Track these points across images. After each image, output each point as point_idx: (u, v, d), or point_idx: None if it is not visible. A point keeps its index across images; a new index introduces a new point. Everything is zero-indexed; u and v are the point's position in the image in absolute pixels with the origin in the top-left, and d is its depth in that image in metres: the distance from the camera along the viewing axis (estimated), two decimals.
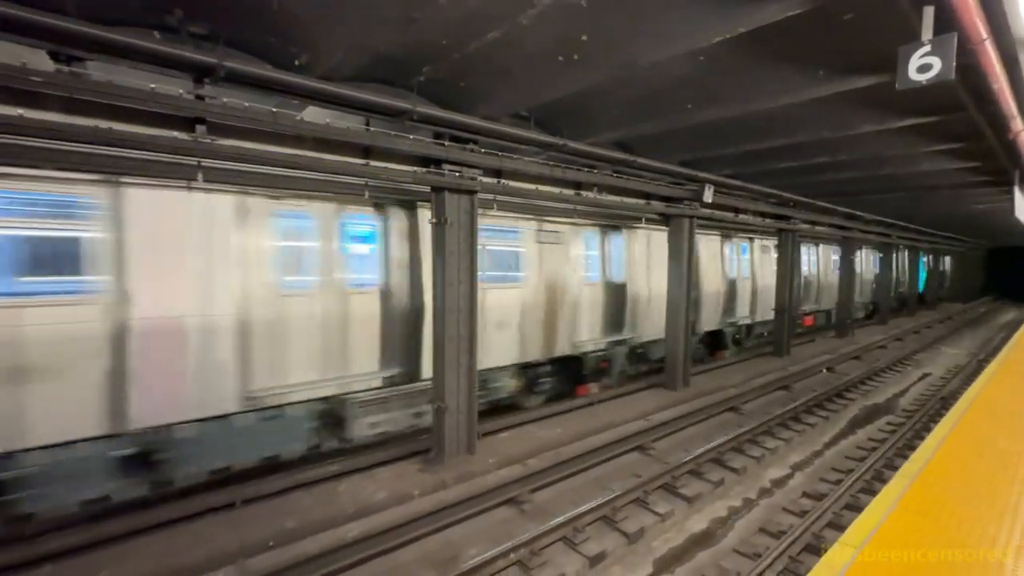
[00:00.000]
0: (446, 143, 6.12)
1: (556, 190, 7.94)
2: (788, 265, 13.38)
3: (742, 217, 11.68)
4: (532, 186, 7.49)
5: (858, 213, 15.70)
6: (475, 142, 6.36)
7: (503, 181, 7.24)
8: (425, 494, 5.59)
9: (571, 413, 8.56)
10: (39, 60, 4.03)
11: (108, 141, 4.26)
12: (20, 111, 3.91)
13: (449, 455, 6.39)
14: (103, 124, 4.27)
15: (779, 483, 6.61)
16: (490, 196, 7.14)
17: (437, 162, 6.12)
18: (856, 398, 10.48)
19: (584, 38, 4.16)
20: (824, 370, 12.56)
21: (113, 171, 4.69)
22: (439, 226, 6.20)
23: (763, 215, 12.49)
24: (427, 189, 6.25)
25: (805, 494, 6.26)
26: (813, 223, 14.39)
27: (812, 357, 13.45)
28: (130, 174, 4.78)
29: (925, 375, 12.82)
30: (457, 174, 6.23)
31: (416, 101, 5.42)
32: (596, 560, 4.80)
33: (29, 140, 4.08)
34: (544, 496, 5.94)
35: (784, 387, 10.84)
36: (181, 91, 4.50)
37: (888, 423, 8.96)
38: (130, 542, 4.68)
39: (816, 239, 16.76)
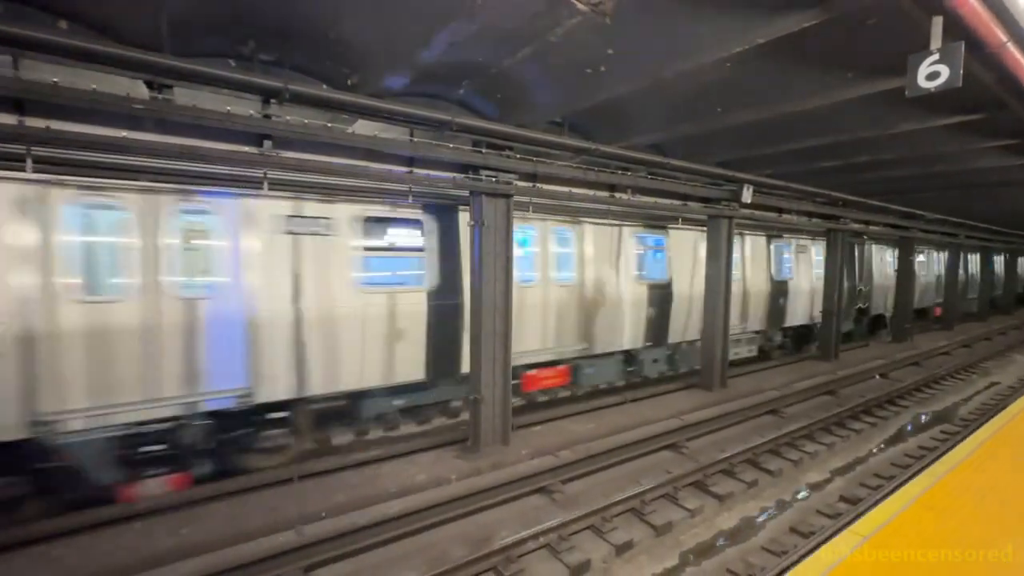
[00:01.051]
0: (483, 150, 6.47)
1: (590, 192, 8.14)
2: (836, 266, 12.89)
3: (786, 217, 11.40)
4: (566, 188, 7.74)
5: (918, 212, 14.84)
6: (511, 148, 6.68)
7: (538, 184, 7.54)
8: (461, 479, 5.96)
9: (605, 410, 8.71)
10: (137, 89, 4.74)
11: (192, 157, 4.92)
12: (124, 133, 4.62)
13: (484, 444, 6.75)
14: (187, 142, 4.94)
15: (816, 487, 6.52)
16: (525, 199, 7.45)
17: (475, 168, 6.49)
18: (910, 405, 10.01)
19: (610, 52, 4.40)
20: (877, 376, 12.02)
21: (192, 182, 5.42)
22: (476, 228, 6.58)
23: (809, 215, 12.12)
24: (466, 194, 6.66)
25: (842, 498, 6.16)
26: (867, 222, 13.76)
27: (863, 362, 12.86)
28: (205, 185, 5.50)
29: (992, 384, 12.00)
30: (494, 179, 6.59)
31: (456, 112, 5.82)
32: (623, 548, 4.99)
33: (130, 159, 4.81)
34: (575, 487, 6.17)
35: (830, 392, 10.49)
36: (251, 111, 5.12)
37: (942, 431, 8.54)
38: (206, 506, 5.34)
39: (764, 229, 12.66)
